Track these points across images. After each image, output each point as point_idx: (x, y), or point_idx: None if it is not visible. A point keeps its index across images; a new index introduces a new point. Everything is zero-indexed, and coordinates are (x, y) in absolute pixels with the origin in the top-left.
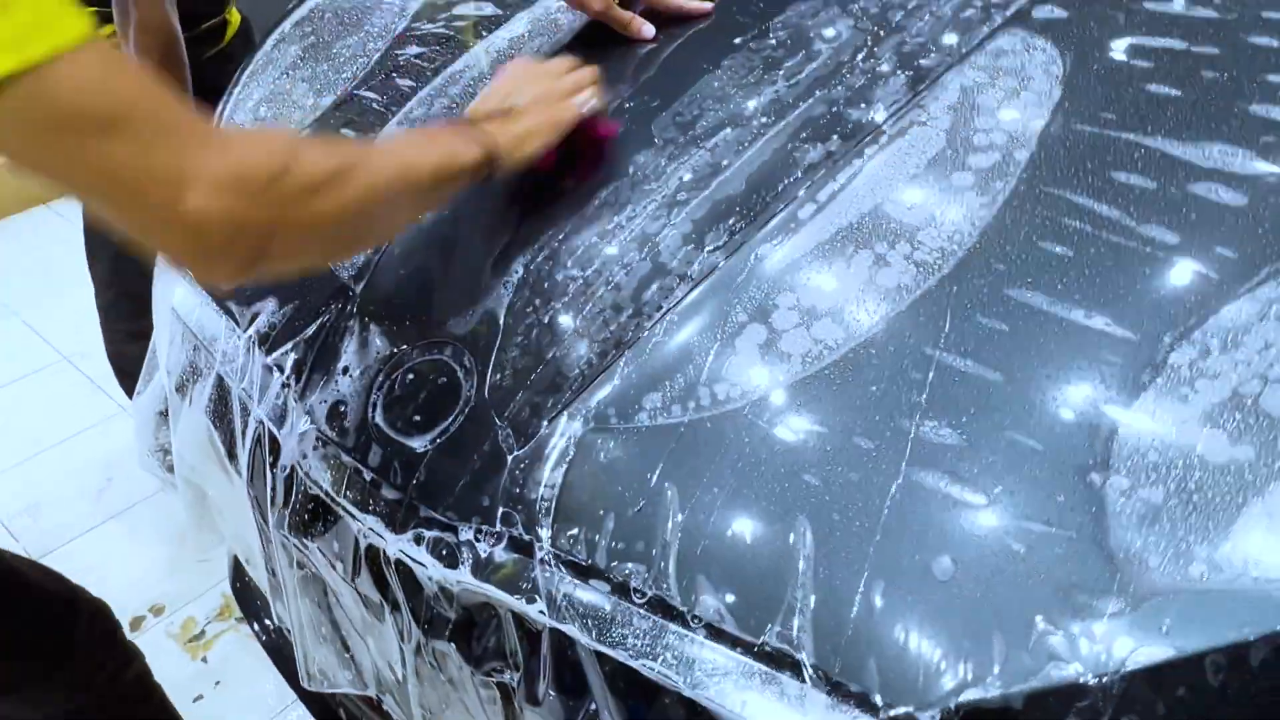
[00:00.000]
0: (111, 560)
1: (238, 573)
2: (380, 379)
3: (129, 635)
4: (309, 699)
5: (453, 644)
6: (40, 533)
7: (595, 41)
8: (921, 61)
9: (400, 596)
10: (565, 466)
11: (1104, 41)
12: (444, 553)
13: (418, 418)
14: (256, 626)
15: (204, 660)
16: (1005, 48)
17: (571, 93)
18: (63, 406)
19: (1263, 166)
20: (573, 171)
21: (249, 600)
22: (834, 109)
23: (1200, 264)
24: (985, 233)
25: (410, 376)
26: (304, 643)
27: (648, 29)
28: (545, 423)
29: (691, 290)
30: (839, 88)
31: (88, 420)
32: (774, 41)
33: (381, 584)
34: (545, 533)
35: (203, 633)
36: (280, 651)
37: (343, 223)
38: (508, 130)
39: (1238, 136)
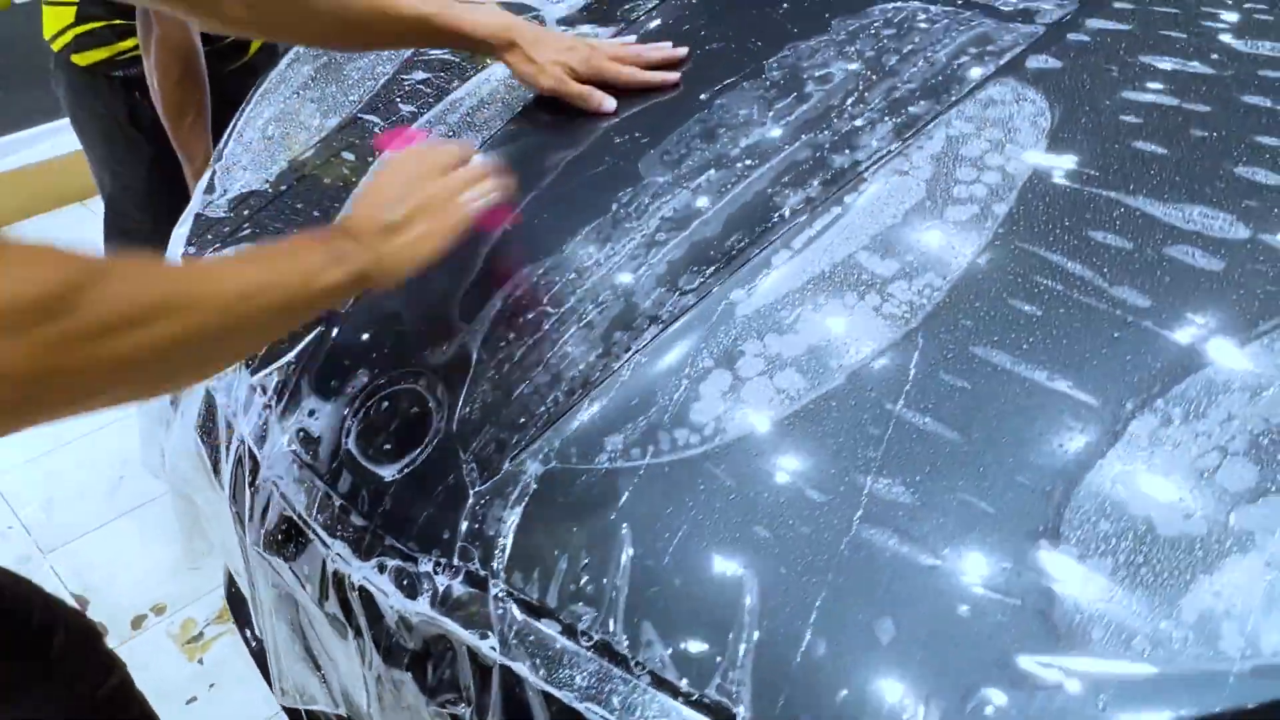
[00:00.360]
0: (119, 557)
1: (231, 580)
2: (356, 405)
3: (131, 633)
4: (292, 711)
5: (409, 673)
6: (52, 527)
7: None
8: (910, 109)
9: (363, 623)
10: (524, 505)
11: (1095, 95)
12: (405, 583)
13: (388, 446)
14: (248, 634)
15: (200, 662)
16: (995, 97)
17: (461, 190)
18: None
19: (1242, 231)
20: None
21: (241, 608)
22: (819, 154)
23: (1169, 330)
24: (956, 287)
25: (385, 405)
26: (278, 658)
27: (608, 103)
28: (509, 460)
29: (661, 332)
30: (826, 132)
31: (107, 416)
32: (768, 81)
33: (346, 609)
34: (500, 569)
35: (201, 634)
36: (266, 661)
37: (146, 364)
38: (386, 242)
39: (1221, 199)
